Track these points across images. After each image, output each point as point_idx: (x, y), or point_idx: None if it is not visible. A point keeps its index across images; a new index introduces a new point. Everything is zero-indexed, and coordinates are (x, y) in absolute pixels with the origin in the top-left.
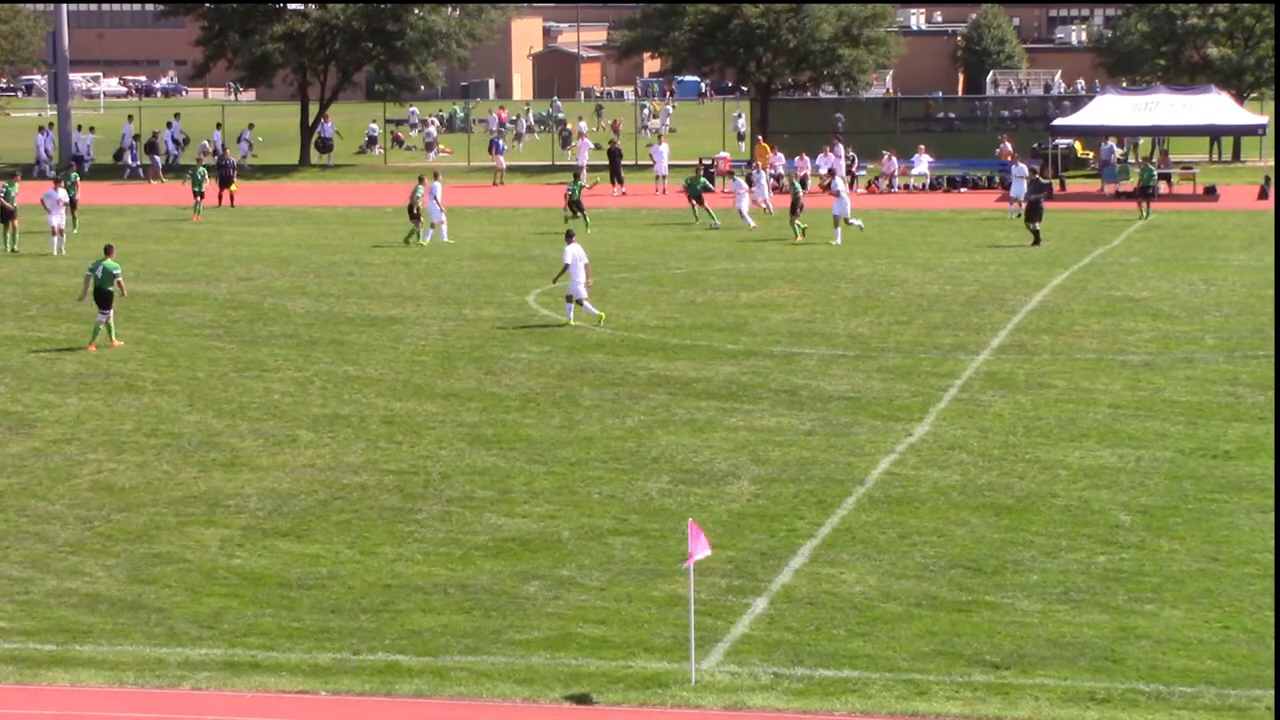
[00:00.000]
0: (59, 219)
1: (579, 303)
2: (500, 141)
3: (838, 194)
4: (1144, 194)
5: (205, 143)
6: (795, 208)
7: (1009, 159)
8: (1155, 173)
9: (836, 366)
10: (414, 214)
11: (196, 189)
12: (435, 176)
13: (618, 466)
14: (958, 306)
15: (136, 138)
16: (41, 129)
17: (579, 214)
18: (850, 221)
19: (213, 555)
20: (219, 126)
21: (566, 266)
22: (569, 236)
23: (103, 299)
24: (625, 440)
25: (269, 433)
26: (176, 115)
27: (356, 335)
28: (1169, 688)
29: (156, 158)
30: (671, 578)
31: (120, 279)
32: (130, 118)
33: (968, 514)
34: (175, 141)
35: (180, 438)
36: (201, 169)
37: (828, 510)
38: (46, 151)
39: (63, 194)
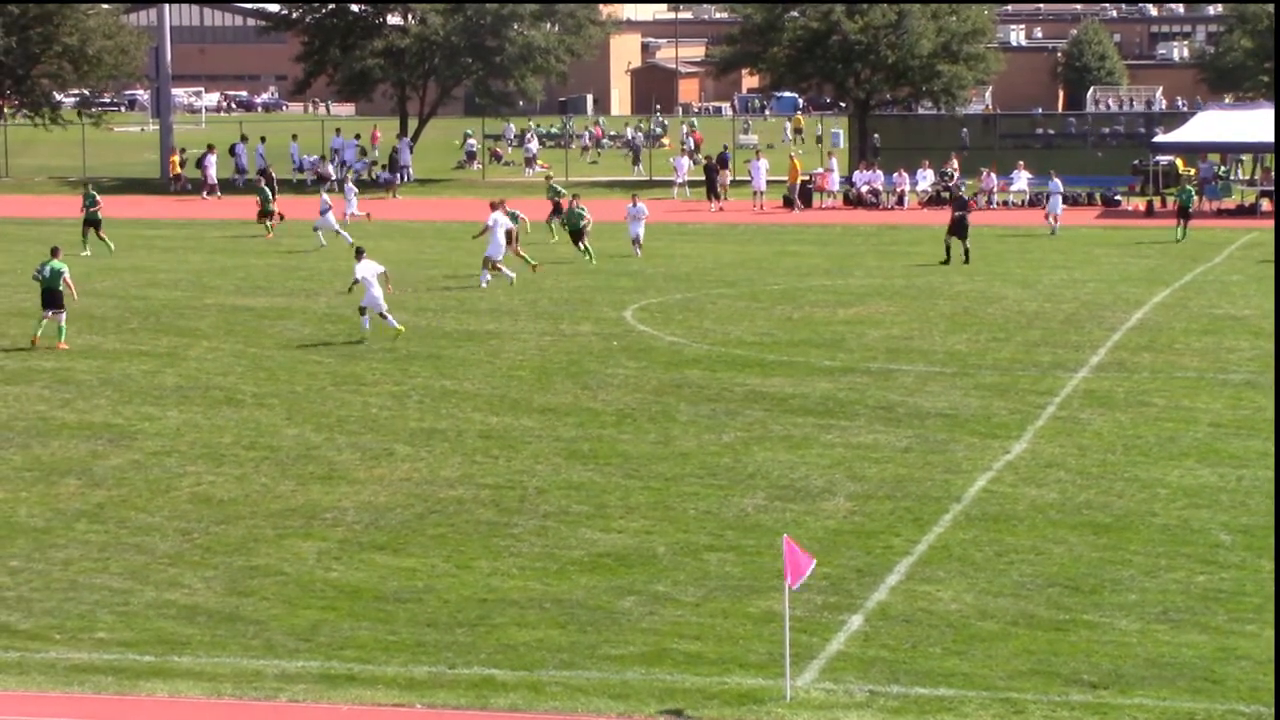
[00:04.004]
0: None
1: (381, 315)
2: (727, 154)
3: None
4: (1183, 214)
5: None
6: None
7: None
8: (1194, 193)
9: (934, 383)
10: None
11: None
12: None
13: (714, 482)
14: (1056, 324)
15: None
16: (243, 138)
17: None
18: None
19: (310, 568)
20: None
21: (356, 282)
22: (359, 254)
23: (51, 299)
24: (721, 456)
25: (366, 446)
26: (356, 135)
27: (454, 350)
28: (1270, 709)
29: (389, 174)
30: (767, 594)
31: (67, 278)
32: (294, 137)
33: (1065, 532)
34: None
35: (278, 451)
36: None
37: (924, 527)
38: (244, 163)
39: None
